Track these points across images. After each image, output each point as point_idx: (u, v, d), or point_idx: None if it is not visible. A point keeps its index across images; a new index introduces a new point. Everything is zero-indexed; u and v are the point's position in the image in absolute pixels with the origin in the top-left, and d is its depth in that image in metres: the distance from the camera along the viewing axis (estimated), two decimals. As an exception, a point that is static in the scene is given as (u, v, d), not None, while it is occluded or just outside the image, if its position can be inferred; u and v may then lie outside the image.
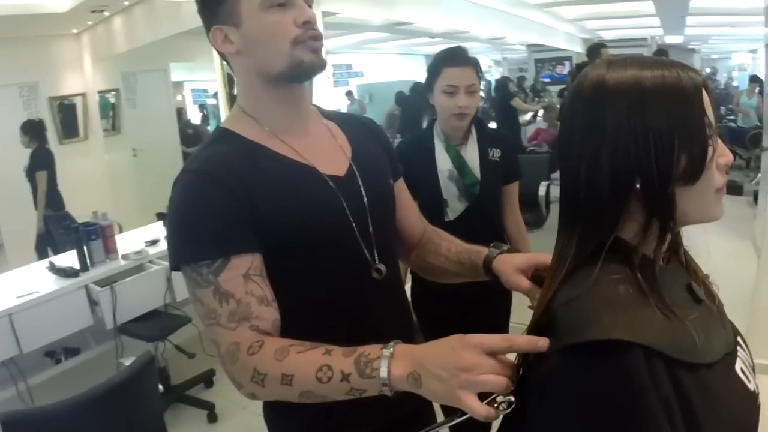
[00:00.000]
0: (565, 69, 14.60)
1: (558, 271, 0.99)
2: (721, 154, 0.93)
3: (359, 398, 1.07)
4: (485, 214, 2.46)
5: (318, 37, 1.27)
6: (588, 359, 0.84)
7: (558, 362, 0.88)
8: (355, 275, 1.33)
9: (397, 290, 1.49)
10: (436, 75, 2.36)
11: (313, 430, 1.38)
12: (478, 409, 0.89)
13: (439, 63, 2.36)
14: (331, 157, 1.37)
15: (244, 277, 1.16)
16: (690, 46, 16.26)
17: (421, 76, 2.81)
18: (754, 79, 10.78)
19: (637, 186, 0.90)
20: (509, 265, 1.38)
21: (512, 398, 0.87)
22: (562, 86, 12.16)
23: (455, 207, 2.41)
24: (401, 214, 1.54)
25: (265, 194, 1.22)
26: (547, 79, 15.17)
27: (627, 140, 0.89)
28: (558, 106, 8.66)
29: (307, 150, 1.33)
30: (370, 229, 1.34)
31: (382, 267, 1.36)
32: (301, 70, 1.27)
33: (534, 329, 1.00)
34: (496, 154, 2.46)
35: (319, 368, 1.05)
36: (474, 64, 2.35)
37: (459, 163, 2.41)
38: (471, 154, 2.44)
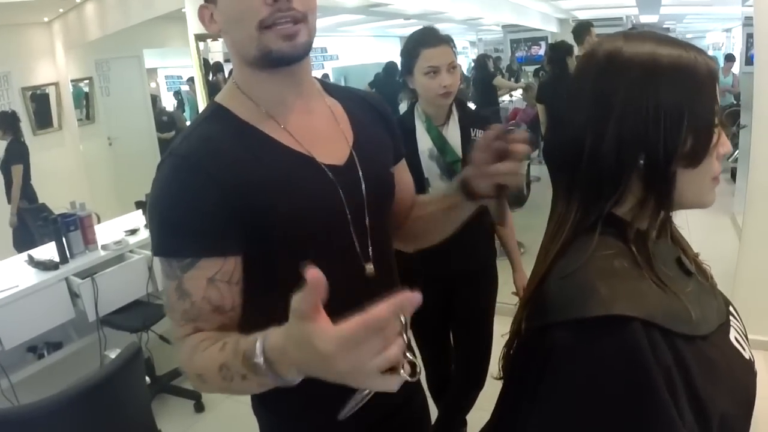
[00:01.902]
0: (540, 50, 14.62)
1: (554, 242, 1.00)
2: (722, 143, 0.95)
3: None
4: None
5: (293, 19, 1.12)
6: (589, 334, 0.86)
7: (558, 337, 0.89)
8: (346, 271, 1.26)
9: (391, 285, 1.39)
10: (414, 58, 2.33)
11: (301, 420, 1.36)
12: (385, 387, 0.78)
13: (416, 45, 2.33)
14: (331, 143, 1.28)
15: (209, 281, 1.13)
16: (665, 26, 16.33)
17: (396, 57, 2.79)
18: (730, 58, 10.84)
19: (641, 162, 0.91)
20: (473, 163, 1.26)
21: (413, 360, 0.78)
22: (537, 66, 12.18)
23: (437, 186, 2.40)
24: (399, 195, 1.46)
25: (257, 187, 1.15)
26: (523, 60, 15.19)
27: (637, 113, 0.90)
28: (536, 85, 8.65)
29: (306, 134, 1.24)
30: (367, 222, 1.28)
31: (370, 266, 1.30)
32: (271, 59, 1.15)
33: (529, 301, 1.01)
34: (479, 134, 2.44)
35: (219, 368, 1.01)
36: (449, 41, 2.34)
37: (440, 141, 2.41)
38: (452, 133, 2.43)
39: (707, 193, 0.98)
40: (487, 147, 1.17)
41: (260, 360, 0.90)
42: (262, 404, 1.39)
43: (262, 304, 1.21)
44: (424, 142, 2.41)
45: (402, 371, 0.77)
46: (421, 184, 2.37)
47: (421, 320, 2.55)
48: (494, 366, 2.61)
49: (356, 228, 1.27)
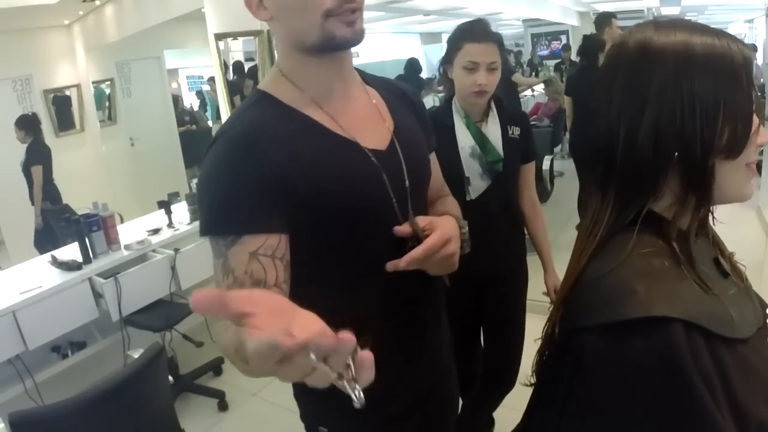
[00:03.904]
0: (561, 44, 14.53)
1: (589, 241, 0.97)
2: (760, 132, 0.91)
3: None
4: (506, 192, 2.42)
5: (356, 9, 1.17)
6: (624, 337, 0.82)
7: (590, 341, 0.85)
8: (391, 254, 1.27)
9: None
10: (456, 49, 2.25)
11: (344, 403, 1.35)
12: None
13: (460, 37, 2.25)
14: (373, 129, 1.31)
15: (251, 255, 1.12)
16: (686, 17, 16.18)
17: (417, 54, 2.74)
18: (752, 48, 10.77)
19: (676, 155, 0.87)
20: None
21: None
22: (557, 60, 12.13)
23: (477, 185, 2.33)
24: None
25: (304, 169, 1.17)
26: (546, 52, 15.15)
27: (672, 104, 0.86)
28: (561, 80, 8.59)
29: (349, 120, 1.27)
30: (409, 205, 1.30)
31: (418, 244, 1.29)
32: (334, 45, 1.19)
33: (562, 303, 0.97)
34: (515, 132, 2.39)
35: (236, 349, 0.94)
36: (496, 40, 2.25)
37: (481, 140, 2.34)
38: (493, 131, 2.36)
39: (745, 183, 0.94)
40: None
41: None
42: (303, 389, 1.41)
43: (311, 284, 1.20)
44: (465, 139, 2.35)
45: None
46: (461, 182, 2.31)
47: (450, 319, 2.51)
48: (526, 368, 2.60)
49: (401, 210, 1.28)
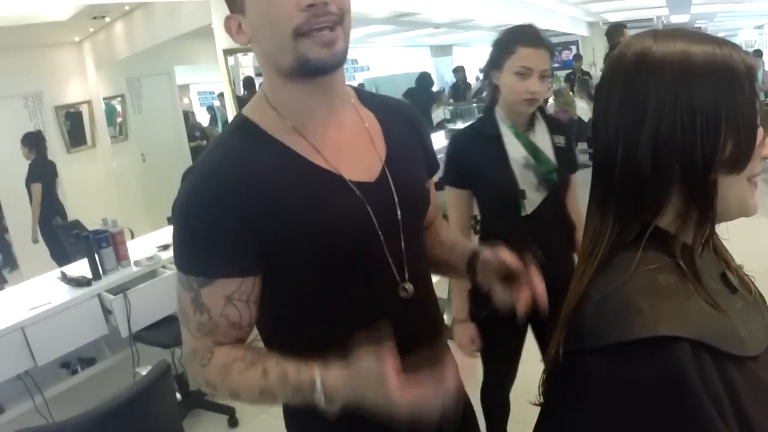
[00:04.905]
0: (571, 54, 14.54)
1: (591, 257, 0.93)
2: (764, 144, 0.87)
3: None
4: (559, 204, 2.31)
5: (331, 23, 1.06)
6: (631, 357, 0.79)
7: (594, 365, 0.83)
8: (380, 295, 1.21)
9: (427, 307, 1.34)
10: (508, 54, 2.13)
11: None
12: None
13: (514, 41, 2.13)
14: (362, 159, 1.21)
15: (226, 299, 1.11)
16: (696, 25, 16.21)
17: (427, 66, 2.70)
18: (758, 54, 10.77)
19: (676, 168, 0.84)
20: (489, 262, 1.29)
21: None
22: (568, 71, 12.13)
23: (533, 198, 2.21)
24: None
25: (279, 206, 1.10)
26: (556, 64, 15.12)
27: (671, 117, 0.83)
28: (572, 91, 8.58)
29: (334, 150, 1.18)
30: (402, 239, 1.21)
31: (409, 286, 1.22)
32: (310, 69, 1.09)
33: (568, 322, 0.93)
34: (560, 141, 2.28)
35: (260, 391, 1.06)
36: (550, 47, 2.15)
37: (533, 150, 2.21)
38: (542, 140, 2.24)
39: (749, 198, 0.90)
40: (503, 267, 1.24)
41: (321, 396, 1.01)
42: (290, 418, 1.35)
43: (295, 322, 1.19)
44: (516, 150, 2.20)
45: None
46: (513, 197, 2.18)
47: (494, 335, 2.40)
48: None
49: (390, 246, 1.20)
